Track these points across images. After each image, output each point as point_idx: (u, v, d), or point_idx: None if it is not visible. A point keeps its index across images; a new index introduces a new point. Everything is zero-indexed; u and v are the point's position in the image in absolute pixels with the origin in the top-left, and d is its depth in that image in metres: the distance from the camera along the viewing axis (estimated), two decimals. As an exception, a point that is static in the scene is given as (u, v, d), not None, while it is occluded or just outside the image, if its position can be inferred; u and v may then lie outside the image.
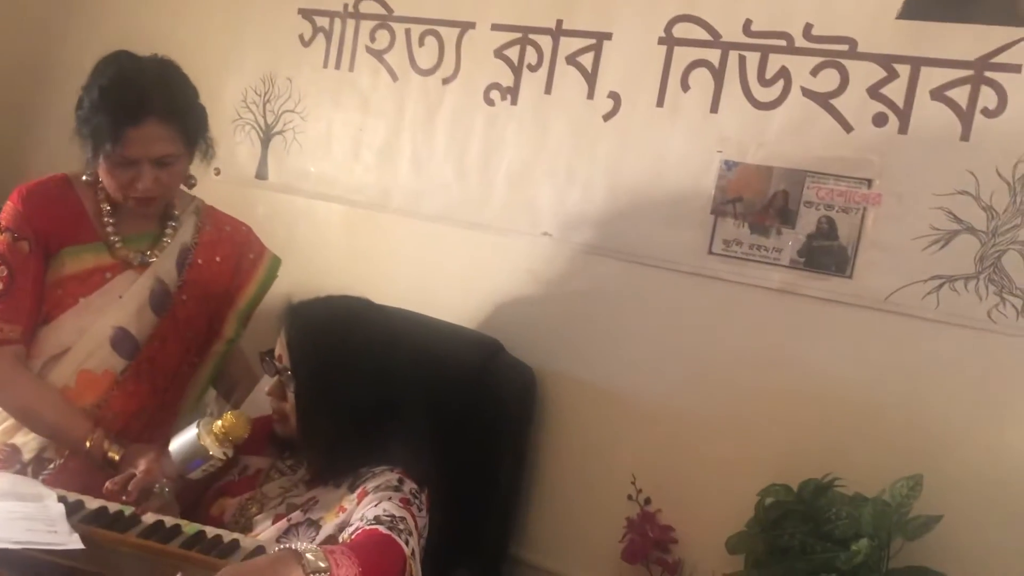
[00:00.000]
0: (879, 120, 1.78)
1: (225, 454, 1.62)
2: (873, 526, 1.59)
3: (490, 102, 2.20)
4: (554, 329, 2.11)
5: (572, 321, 2.10)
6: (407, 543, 1.42)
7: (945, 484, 1.67)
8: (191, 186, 1.89)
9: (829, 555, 1.60)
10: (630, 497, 1.98)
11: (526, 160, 2.15)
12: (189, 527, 1.50)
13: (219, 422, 1.61)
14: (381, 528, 1.42)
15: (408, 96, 2.31)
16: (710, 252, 1.94)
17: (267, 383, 1.71)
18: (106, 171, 1.74)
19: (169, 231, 1.89)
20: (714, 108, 1.94)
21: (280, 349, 1.66)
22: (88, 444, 1.73)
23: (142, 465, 1.64)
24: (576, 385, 2.08)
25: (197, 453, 1.61)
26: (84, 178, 1.81)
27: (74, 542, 1.36)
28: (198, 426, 1.62)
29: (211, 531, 1.49)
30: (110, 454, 1.73)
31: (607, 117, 2.06)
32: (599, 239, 2.06)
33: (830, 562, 1.59)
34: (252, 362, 2.00)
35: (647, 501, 1.98)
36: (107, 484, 1.59)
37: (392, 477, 1.56)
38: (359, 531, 1.44)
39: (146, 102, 1.69)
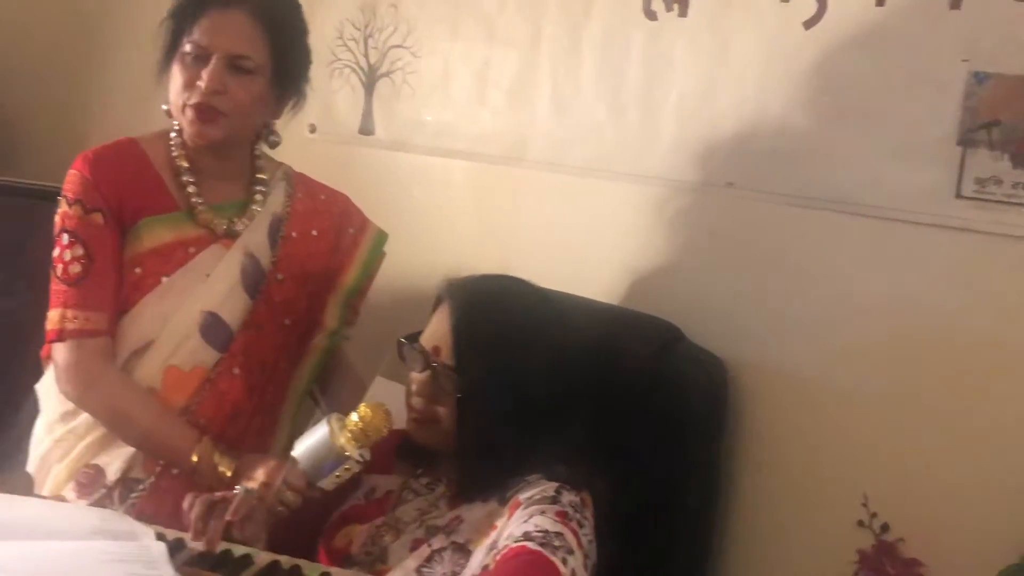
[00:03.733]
0: None
1: (362, 456, 1.51)
2: None
3: (651, 15, 1.97)
4: (747, 308, 1.91)
5: (770, 296, 1.88)
6: (564, 561, 1.35)
7: None
8: (273, 145, 1.81)
9: None
10: (861, 523, 1.78)
11: (701, 89, 1.93)
12: (310, 568, 1.43)
13: (354, 415, 1.51)
14: (530, 545, 1.36)
15: (545, 15, 2.10)
16: (958, 195, 1.70)
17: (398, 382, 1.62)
18: (175, 74, 1.69)
19: (258, 197, 1.81)
20: (955, 3, 1.66)
21: (435, 340, 1.56)
22: (195, 458, 1.64)
23: (261, 477, 1.58)
24: (780, 379, 1.88)
25: (330, 455, 1.50)
26: (164, 107, 1.74)
27: (180, 588, 1.29)
28: (329, 422, 1.53)
29: (337, 572, 1.44)
30: (221, 468, 1.63)
31: (809, 24, 1.80)
32: (801, 187, 1.83)
33: None
34: (359, 366, 1.95)
35: (884, 528, 1.77)
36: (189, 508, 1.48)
37: (548, 487, 1.48)
38: (505, 551, 1.38)
39: None
